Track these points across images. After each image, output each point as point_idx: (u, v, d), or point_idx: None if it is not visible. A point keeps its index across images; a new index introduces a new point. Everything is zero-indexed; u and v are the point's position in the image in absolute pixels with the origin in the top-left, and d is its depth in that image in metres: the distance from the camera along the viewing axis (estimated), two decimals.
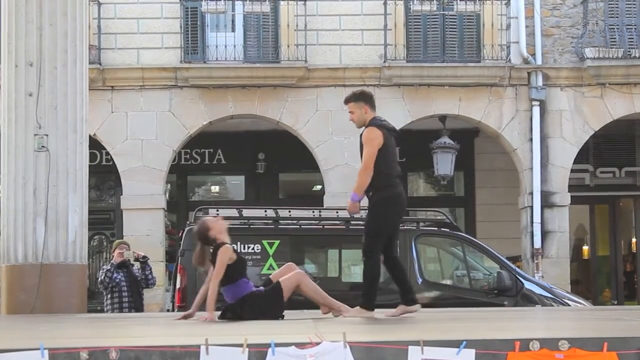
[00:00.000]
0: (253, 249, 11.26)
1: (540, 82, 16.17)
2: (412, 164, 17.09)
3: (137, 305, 11.57)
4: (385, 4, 16.01)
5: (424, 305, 7.85)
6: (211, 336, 4.91)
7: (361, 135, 7.70)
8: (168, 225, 16.79)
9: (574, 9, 16.44)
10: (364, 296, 7.58)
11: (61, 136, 9.49)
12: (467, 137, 17.74)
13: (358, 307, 7.54)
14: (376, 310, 7.72)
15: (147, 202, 15.84)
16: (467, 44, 16.30)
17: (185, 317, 7.71)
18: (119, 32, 16.11)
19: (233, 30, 16.34)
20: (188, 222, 12.07)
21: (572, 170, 16.46)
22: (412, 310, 7.59)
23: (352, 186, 7.92)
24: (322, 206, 14.47)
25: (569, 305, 11.48)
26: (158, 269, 14.44)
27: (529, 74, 16.22)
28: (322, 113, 16.11)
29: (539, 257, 15.94)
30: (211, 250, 7.56)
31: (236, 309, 7.47)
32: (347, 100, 7.83)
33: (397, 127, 14.59)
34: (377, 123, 7.64)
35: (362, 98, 7.76)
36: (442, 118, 16.44)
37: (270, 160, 18.18)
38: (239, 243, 11.27)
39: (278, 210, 11.83)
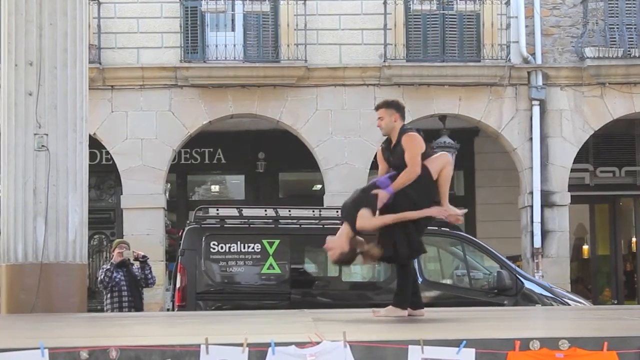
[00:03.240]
0: (253, 248, 11.25)
1: (540, 82, 16.18)
2: None
3: (136, 305, 11.59)
4: (385, 3, 16.01)
5: (424, 305, 7.83)
6: (211, 335, 4.91)
7: (393, 144, 7.62)
8: (168, 225, 16.79)
9: (573, 9, 16.44)
10: (398, 295, 7.54)
11: (61, 135, 9.48)
12: (467, 137, 17.75)
13: (390, 306, 7.50)
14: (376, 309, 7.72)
15: (147, 202, 15.84)
16: (467, 44, 16.31)
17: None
18: (118, 31, 16.11)
19: (233, 29, 16.34)
20: (188, 222, 12.07)
21: (572, 170, 16.47)
22: (417, 315, 7.57)
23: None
24: (322, 205, 14.48)
25: (569, 304, 11.47)
26: (158, 269, 14.44)
27: (528, 73, 16.23)
28: (322, 112, 16.11)
29: (539, 256, 15.95)
30: None
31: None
32: (379, 107, 7.82)
33: None
34: (413, 130, 7.63)
35: (394, 106, 7.77)
36: (442, 117, 16.44)
37: (270, 159, 18.19)
38: (239, 242, 11.29)
39: (278, 209, 11.82)
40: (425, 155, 7.52)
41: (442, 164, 7.48)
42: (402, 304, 7.46)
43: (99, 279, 11.60)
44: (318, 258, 12.31)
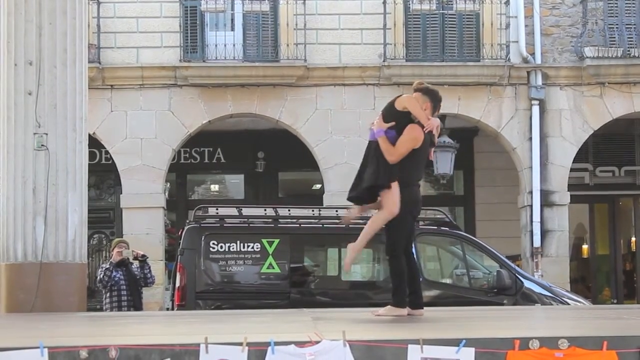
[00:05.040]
0: (252, 247, 11.26)
1: (539, 81, 16.17)
2: None
3: (136, 304, 11.59)
4: (384, 3, 16.00)
5: (424, 304, 7.83)
6: (211, 335, 4.91)
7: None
8: (167, 224, 16.79)
9: (573, 8, 16.44)
10: (394, 295, 7.55)
11: (61, 135, 9.48)
12: (467, 136, 17.74)
13: (389, 305, 7.50)
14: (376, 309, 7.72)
15: (147, 201, 15.84)
16: (467, 43, 16.31)
17: None
18: (118, 31, 16.11)
19: (232, 29, 16.34)
20: (187, 221, 12.07)
21: (572, 169, 16.46)
22: (416, 314, 7.57)
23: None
24: (322, 205, 14.48)
25: (569, 304, 11.48)
26: (157, 268, 14.45)
27: (528, 73, 16.23)
28: (322, 112, 16.11)
29: (538, 256, 15.94)
30: None
31: None
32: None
33: None
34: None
35: (430, 96, 7.65)
36: (442, 117, 16.37)
37: (270, 159, 18.18)
38: (238, 242, 11.29)
39: (277, 209, 11.83)
40: (418, 151, 7.53)
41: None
42: (400, 302, 7.46)
43: (98, 278, 11.59)
44: (317, 257, 12.33)
